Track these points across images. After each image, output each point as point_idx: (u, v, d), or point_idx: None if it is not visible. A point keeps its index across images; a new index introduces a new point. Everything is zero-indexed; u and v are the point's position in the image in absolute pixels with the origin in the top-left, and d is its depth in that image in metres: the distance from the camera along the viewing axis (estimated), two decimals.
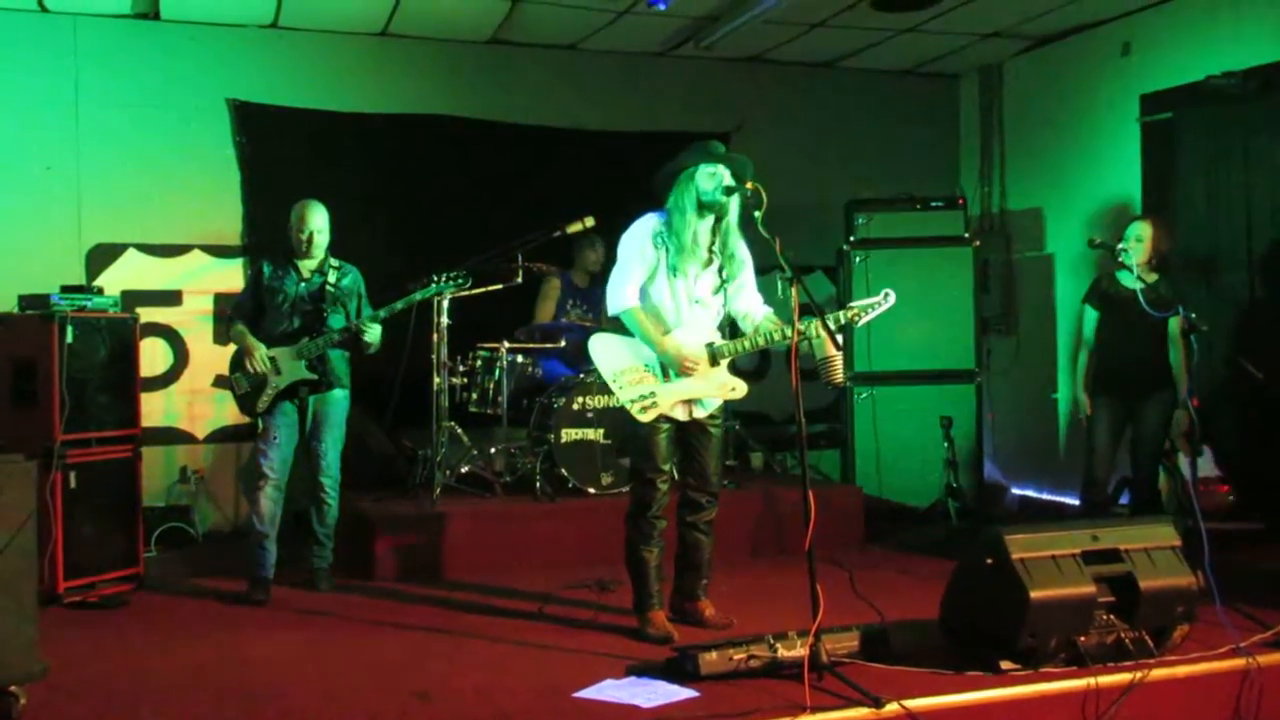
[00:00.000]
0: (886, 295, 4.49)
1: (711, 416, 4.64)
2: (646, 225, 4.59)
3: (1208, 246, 6.76)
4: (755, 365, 8.09)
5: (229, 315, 5.70)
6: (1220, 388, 6.50)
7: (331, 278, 5.56)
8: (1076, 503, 7.55)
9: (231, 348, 5.62)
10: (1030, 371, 8.26)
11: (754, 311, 4.69)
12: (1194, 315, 4.94)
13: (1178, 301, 5.41)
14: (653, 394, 4.51)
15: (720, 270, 4.58)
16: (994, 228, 8.54)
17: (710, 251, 4.56)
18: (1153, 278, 5.61)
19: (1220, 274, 6.72)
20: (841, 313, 4.45)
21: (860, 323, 4.49)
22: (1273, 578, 5.42)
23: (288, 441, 5.46)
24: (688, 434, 4.64)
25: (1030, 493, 8.16)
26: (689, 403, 4.56)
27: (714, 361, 4.53)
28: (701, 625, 4.66)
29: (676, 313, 4.55)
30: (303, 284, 5.53)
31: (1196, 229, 6.80)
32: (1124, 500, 6.24)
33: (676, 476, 4.70)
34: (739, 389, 4.60)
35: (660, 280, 4.55)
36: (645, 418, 4.52)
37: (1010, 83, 8.53)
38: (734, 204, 4.51)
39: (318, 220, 5.52)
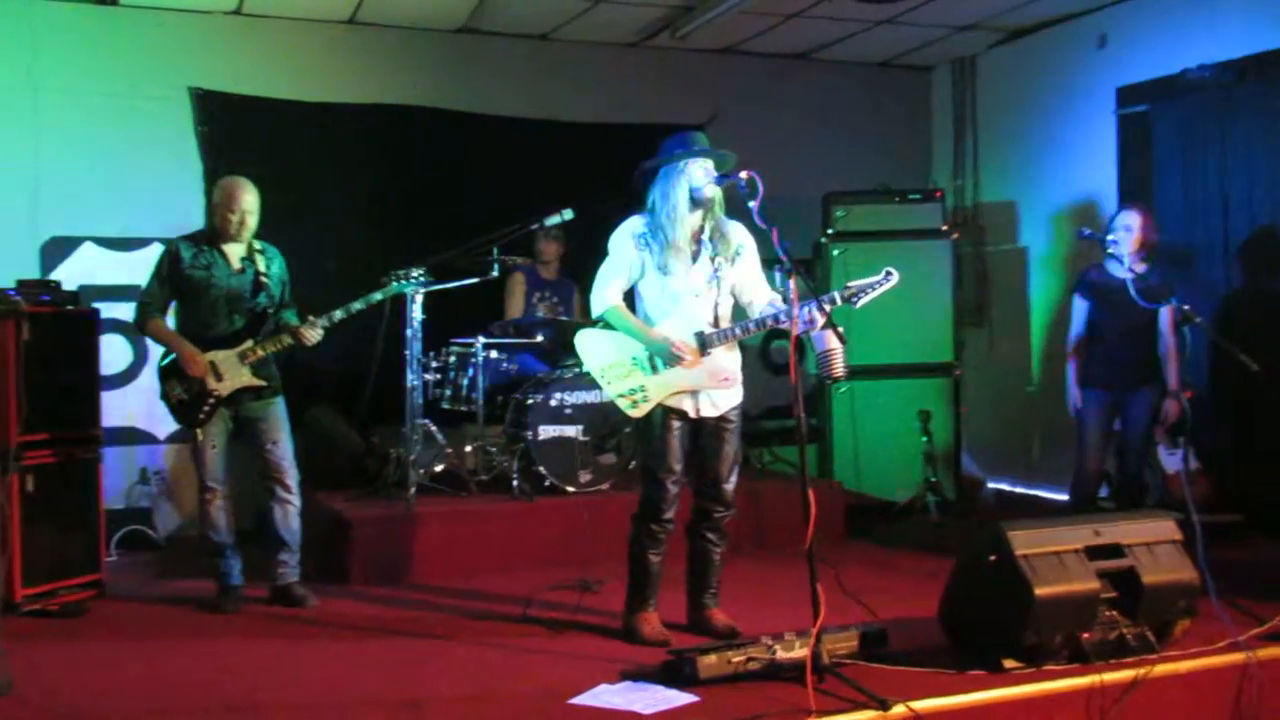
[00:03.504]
0: (888, 274, 4.25)
1: (725, 419, 4.46)
2: (629, 228, 4.47)
3: (1184, 238, 6.76)
4: None
5: (141, 306, 5.12)
6: (1201, 379, 6.50)
7: (261, 265, 5.14)
8: (1054, 496, 7.57)
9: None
10: (1004, 364, 8.24)
11: (758, 300, 4.51)
12: (1187, 306, 4.88)
13: (1169, 292, 5.36)
14: (642, 388, 4.38)
15: (713, 259, 4.43)
16: (967, 221, 8.50)
17: (698, 243, 4.43)
18: (1141, 268, 5.57)
19: (1197, 265, 6.72)
20: (836, 294, 4.26)
21: (859, 304, 4.26)
22: (1258, 569, 5.42)
23: (225, 446, 5.14)
24: (701, 437, 4.48)
25: (1005, 486, 8.14)
26: (694, 397, 4.40)
27: (704, 349, 4.38)
28: (711, 634, 4.46)
29: (674, 308, 4.41)
30: (234, 276, 5.09)
31: (1173, 221, 6.78)
32: (1103, 493, 6.20)
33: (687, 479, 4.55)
34: (732, 378, 4.43)
35: (651, 280, 4.43)
36: (636, 413, 4.39)
37: (983, 75, 8.51)
38: (720, 195, 4.39)
39: (250, 201, 5.04)
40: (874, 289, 4.28)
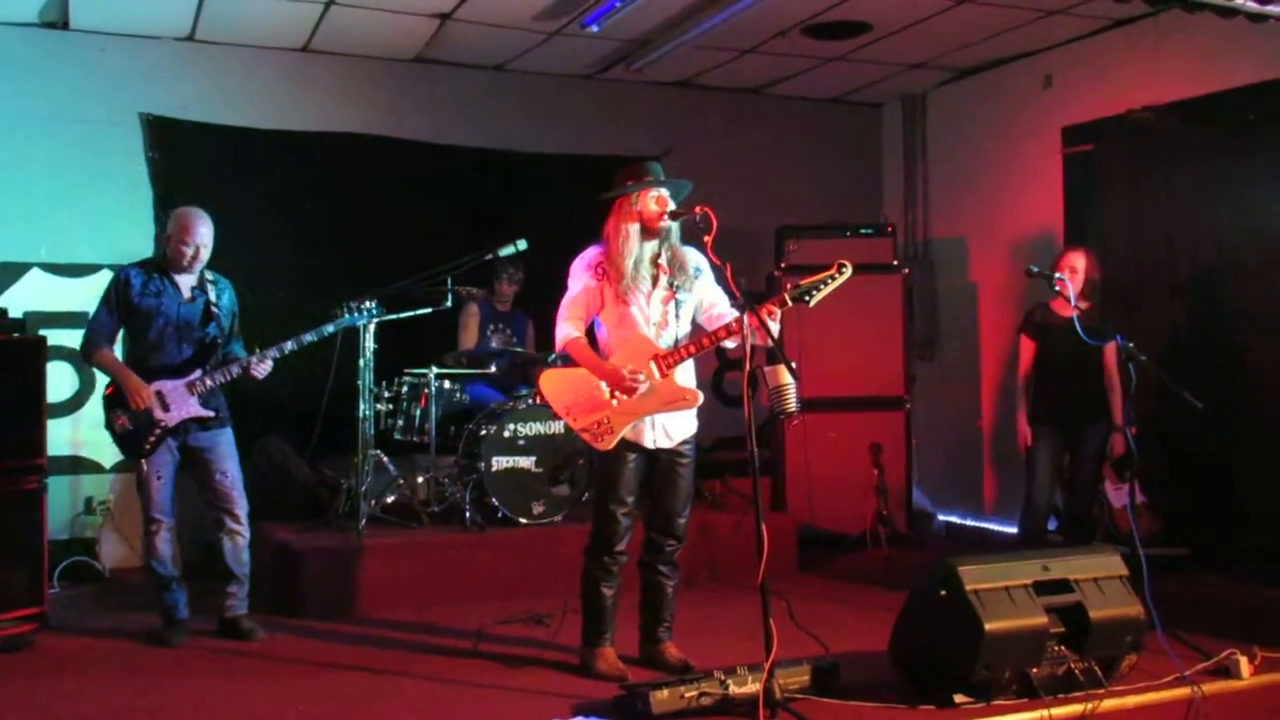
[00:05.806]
0: (841, 267, 4.15)
1: (679, 453, 4.46)
2: (587, 258, 4.47)
3: (1130, 277, 6.86)
4: None
5: (89, 335, 5.02)
6: (1147, 415, 6.60)
7: (212, 295, 5.09)
8: (1004, 529, 7.64)
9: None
10: (954, 398, 8.32)
11: (723, 310, 4.48)
12: (1131, 344, 4.97)
13: (1113, 329, 5.46)
14: (606, 419, 4.34)
15: (671, 284, 4.44)
16: (918, 255, 8.61)
17: (657, 267, 4.43)
18: (1085, 305, 5.66)
19: (1142, 304, 6.82)
20: (785, 294, 4.18)
21: (812, 301, 4.16)
22: (1202, 603, 5.50)
23: (172, 477, 5.06)
24: (655, 471, 4.47)
25: (955, 519, 8.20)
26: (651, 427, 4.39)
27: (664, 372, 4.37)
28: (664, 668, 4.44)
29: (632, 337, 4.39)
30: (184, 305, 5.02)
31: (1118, 259, 6.90)
32: (1051, 526, 6.27)
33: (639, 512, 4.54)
34: (691, 397, 4.40)
35: (611, 310, 4.43)
36: (604, 445, 4.34)
37: (933, 112, 8.64)
38: (675, 222, 4.40)
39: (205, 234, 4.98)
40: (825, 285, 4.16)
